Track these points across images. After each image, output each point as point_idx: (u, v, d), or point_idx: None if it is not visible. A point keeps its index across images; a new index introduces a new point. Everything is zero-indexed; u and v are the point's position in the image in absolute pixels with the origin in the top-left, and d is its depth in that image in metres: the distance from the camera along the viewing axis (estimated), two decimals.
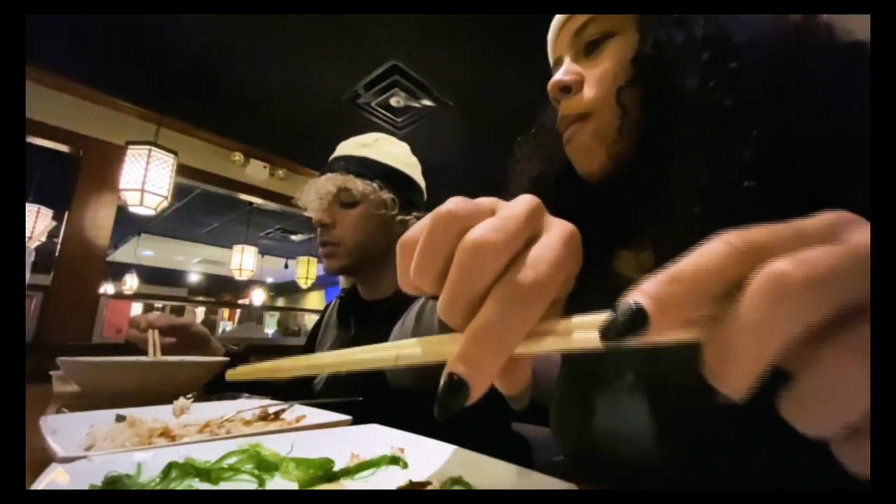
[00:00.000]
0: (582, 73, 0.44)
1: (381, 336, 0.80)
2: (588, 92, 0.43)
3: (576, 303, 0.52)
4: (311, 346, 1.04)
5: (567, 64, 0.45)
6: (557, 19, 0.48)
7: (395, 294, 0.84)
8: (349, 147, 0.87)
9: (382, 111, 2.77)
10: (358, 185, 0.79)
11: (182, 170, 2.74)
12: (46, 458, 0.30)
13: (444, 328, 0.23)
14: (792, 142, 0.31)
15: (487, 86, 2.47)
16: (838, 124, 0.31)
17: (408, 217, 0.85)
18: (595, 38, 0.44)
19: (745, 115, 0.33)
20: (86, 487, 0.25)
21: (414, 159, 0.93)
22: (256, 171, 3.33)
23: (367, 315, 0.87)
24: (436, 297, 0.20)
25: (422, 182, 0.93)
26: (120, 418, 0.43)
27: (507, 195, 0.50)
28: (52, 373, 0.84)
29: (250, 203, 3.73)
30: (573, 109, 0.44)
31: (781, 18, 0.37)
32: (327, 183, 0.81)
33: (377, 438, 0.37)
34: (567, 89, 0.44)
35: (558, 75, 0.44)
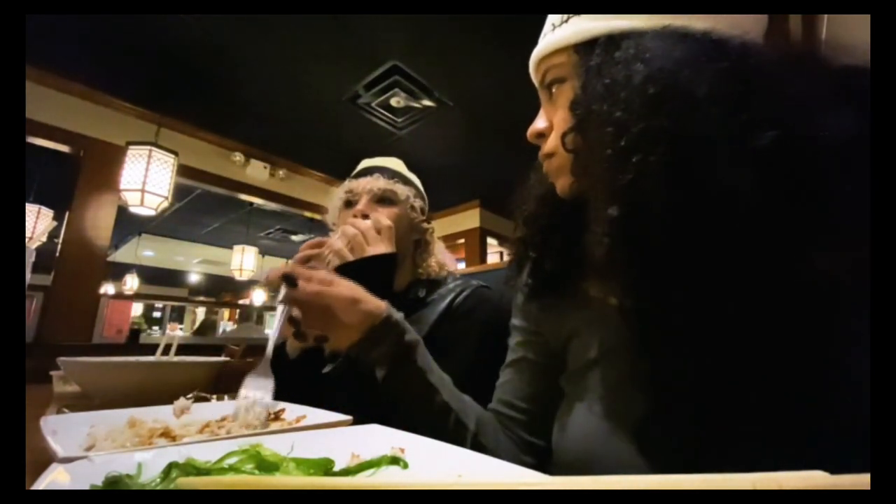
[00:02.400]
0: (550, 119, 0.49)
1: None
2: (551, 136, 0.48)
3: (563, 322, 0.53)
4: None
5: (542, 109, 0.50)
6: (532, 58, 0.50)
7: (406, 289, 0.90)
8: (382, 161, 0.98)
9: (382, 111, 2.77)
10: (401, 188, 0.92)
11: (182, 170, 2.74)
12: (47, 459, 0.30)
13: None
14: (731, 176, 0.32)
15: (487, 86, 2.48)
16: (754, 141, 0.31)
17: (427, 225, 0.97)
18: (551, 84, 0.48)
19: (685, 163, 0.33)
20: (86, 487, 0.25)
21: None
22: (257, 172, 3.34)
23: None
24: None
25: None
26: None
27: (516, 197, 0.58)
28: (52, 373, 0.84)
29: (250, 203, 3.73)
30: (544, 150, 0.50)
31: (715, 53, 0.36)
32: (375, 181, 0.91)
33: (377, 438, 0.37)
34: (542, 135, 0.50)
35: (534, 124, 0.50)
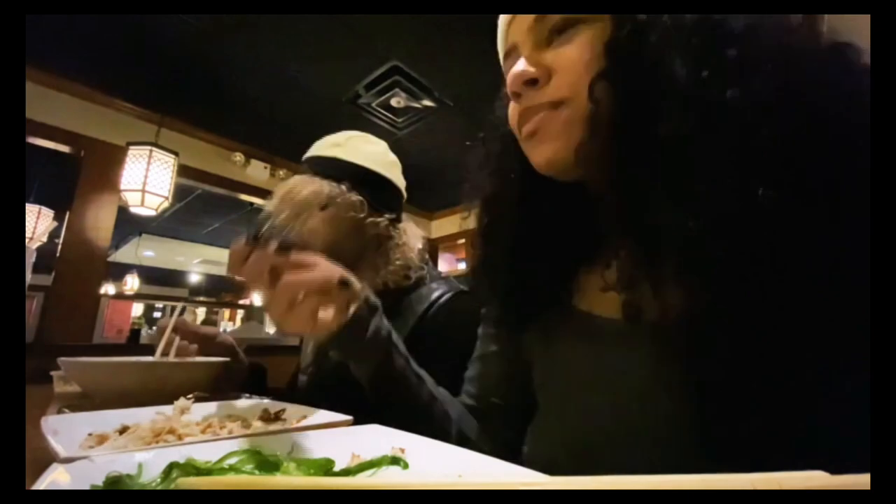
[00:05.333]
0: (547, 64, 0.39)
1: None
2: (561, 80, 0.38)
3: (543, 332, 0.49)
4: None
5: (528, 54, 0.40)
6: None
7: (378, 294, 0.83)
8: (320, 147, 0.83)
9: (383, 111, 2.77)
10: (325, 187, 0.76)
11: (183, 170, 2.74)
12: (47, 459, 0.30)
13: None
14: (800, 142, 0.28)
15: (487, 86, 2.47)
16: (834, 125, 0.29)
17: (380, 219, 0.80)
18: (561, 25, 0.39)
19: (750, 111, 0.28)
20: (87, 487, 0.25)
21: (392, 158, 0.86)
22: (257, 172, 3.33)
23: None
24: None
25: (400, 181, 0.87)
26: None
27: (464, 201, 0.57)
28: (52, 373, 0.84)
29: (251, 203, 3.72)
30: (544, 98, 0.39)
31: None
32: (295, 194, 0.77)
33: (377, 438, 0.37)
34: (534, 81, 0.39)
35: (520, 66, 0.39)
